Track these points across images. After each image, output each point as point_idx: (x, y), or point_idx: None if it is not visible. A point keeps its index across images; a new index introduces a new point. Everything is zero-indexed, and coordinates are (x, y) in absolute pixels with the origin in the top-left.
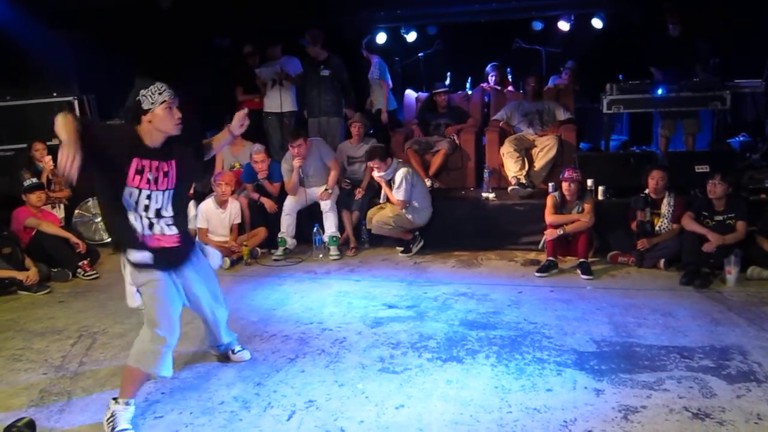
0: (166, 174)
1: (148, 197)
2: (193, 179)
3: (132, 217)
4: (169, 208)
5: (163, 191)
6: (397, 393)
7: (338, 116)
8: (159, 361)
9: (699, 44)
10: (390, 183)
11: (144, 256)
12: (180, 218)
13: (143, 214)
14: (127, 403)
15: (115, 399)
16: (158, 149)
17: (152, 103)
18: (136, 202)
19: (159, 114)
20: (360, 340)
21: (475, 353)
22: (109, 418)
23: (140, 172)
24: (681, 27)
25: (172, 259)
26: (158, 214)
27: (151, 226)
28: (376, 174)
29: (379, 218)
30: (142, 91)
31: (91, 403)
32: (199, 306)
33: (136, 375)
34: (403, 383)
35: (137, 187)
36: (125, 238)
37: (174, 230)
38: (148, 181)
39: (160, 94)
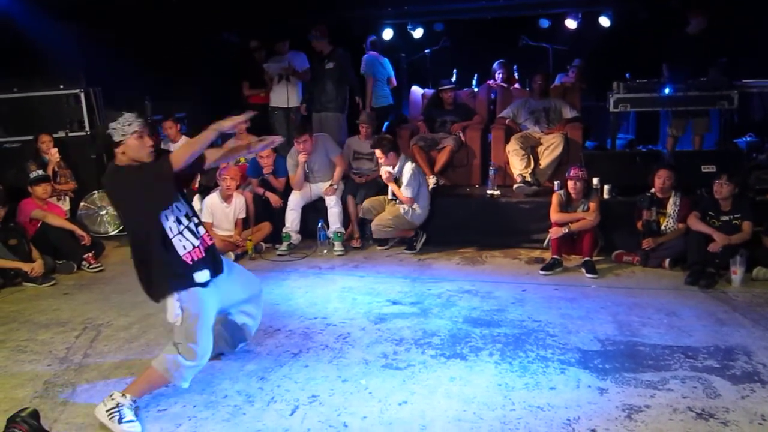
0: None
1: (172, 212)
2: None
3: (176, 243)
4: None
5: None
6: (401, 389)
7: (337, 112)
8: (187, 374)
9: (717, 42)
10: (398, 180)
11: (203, 274)
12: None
13: (182, 234)
14: (133, 401)
15: (122, 393)
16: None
17: (123, 135)
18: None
19: (131, 144)
20: (364, 335)
21: (478, 350)
22: (111, 410)
23: None
24: (704, 23)
25: (209, 266)
26: (183, 225)
27: (185, 241)
28: (384, 170)
29: (378, 222)
30: (111, 125)
31: (95, 395)
32: (232, 306)
33: (155, 379)
34: (406, 379)
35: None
36: (177, 271)
37: (197, 235)
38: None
39: (129, 125)
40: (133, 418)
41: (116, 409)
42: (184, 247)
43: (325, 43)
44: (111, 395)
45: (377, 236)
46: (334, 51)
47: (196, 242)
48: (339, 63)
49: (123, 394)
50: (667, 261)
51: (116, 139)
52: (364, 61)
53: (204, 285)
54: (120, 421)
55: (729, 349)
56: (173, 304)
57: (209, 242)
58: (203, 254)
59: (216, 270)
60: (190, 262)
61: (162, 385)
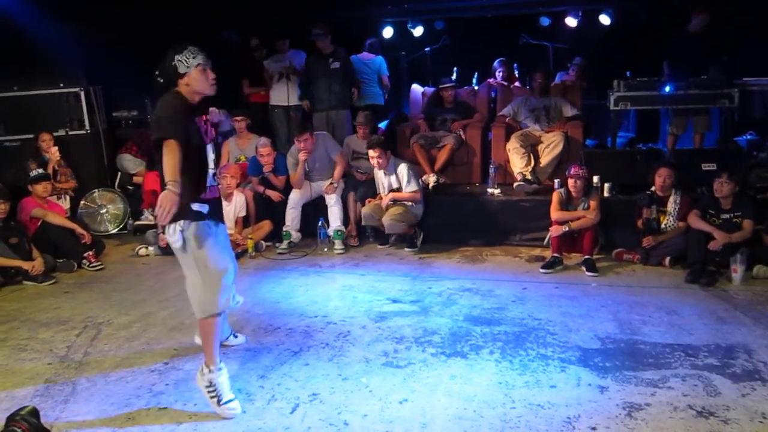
0: (205, 131)
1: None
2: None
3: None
4: (210, 161)
5: (208, 144)
6: (401, 387)
7: (346, 109)
8: (224, 293)
9: (718, 40)
10: (390, 182)
11: (204, 207)
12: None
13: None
14: (219, 368)
15: (206, 367)
16: (199, 107)
17: (188, 67)
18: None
19: (195, 76)
20: (364, 334)
21: (479, 349)
22: (210, 388)
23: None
24: (706, 21)
25: (218, 210)
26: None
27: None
28: (386, 198)
29: (391, 217)
30: (177, 56)
31: (96, 393)
32: None
33: (208, 327)
34: (407, 378)
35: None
36: (192, 195)
37: (214, 183)
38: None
39: (194, 57)
40: (232, 396)
41: (212, 388)
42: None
43: (329, 42)
44: (201, 370)
45: (391, 231)
46: (337, 50)
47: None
48: (344, 62)
49: (208, 368)
50: (668, 259)
51: (181, 70)
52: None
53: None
54: (219, 402)
55: (729, 348)
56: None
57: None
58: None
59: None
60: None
61: (216, 326)
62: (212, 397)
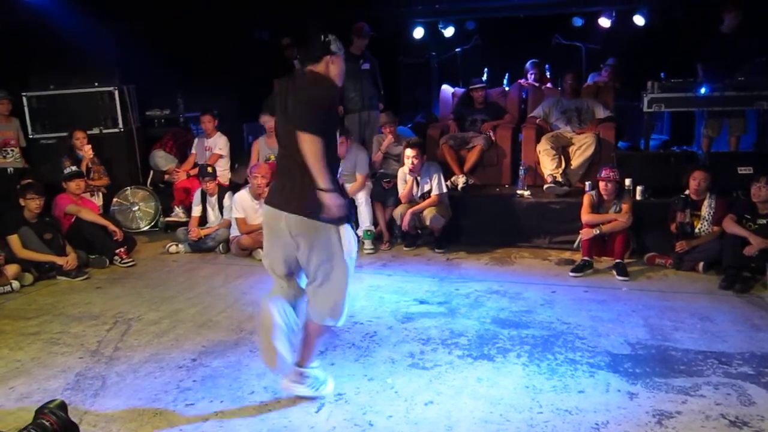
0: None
1: None
2: None
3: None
4: None
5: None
6: (427, 389)
7: (376, 110)
8: (344, 310)
9: (752, 41)
10: (422, 187)
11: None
12: None
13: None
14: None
15: (303, 368)
16: None
17: (339, 49)
18: None
19: (338, 61)
20: (390, 334)
21: (506, 352)
22: (312, 384)
23: None
24: (738, 20)
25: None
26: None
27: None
28: (406, 172)
29: (431, 214)
30: (331, 36)
31: (125, 388)
32: None
33: (317, 332)
34: (432, 379)
35: None
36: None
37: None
38: None
39: (342, 45)
40: (324, 377)
41: (316, 384)
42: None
43: (362, 42)
44: (300, 373)
45: (437, 225)
46: (365, 52)
47: None
48: (373, 63)
49: (308, 368)
50: (701, 264)
51: (333, 49)
52: None
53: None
54: (318, 389)
55: (765, 356)
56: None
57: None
58: None
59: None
60: None
61: (325, 334)
62: (314, 390)
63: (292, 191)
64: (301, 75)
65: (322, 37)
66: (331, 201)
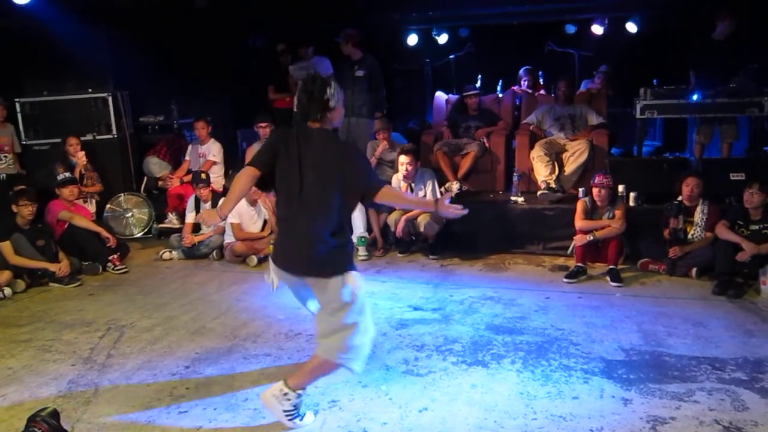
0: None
1: None
2: None
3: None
4: None
5: None
6: (421, 396)
7: (368, 117)
8: (364, 355)
9: (743, 49)
10: (416, 193)
11: None
12: None
13: None
14: (304, 394)
15: (293, 390)
16: None
17: (336, 101)
18: None
19: (339, 111)
20: (385, 341)
21: (500, 358)
22: (289, 412)
23: None
24: (730, 27)
25: None
26: None
27: None
28: (400, 178)
29: (425, 221)
30: (329, 90)
31: (118, 395)
32: None
33: (329, 368)
34: (427, 386)
35: None
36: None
37: None
38: None
39: (339, 92)
40: (312, 417)
41: (294, 412)
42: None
43: (355, 49)
44: (284, 393)
45: (431, 232)
46: (365, 58)
47: None
48: (370, 70)
49: (295, 391)
50: (694, 270)
51: (332, 104)
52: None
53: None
54: (294, 420)
55: (758, 361)
56: (353, 280)
57: None
58: None
59: None
60: None
61: (330, 372)
62: (289, 418)
63: (304, 250)
64: (314, 134)
65: (322, 93)
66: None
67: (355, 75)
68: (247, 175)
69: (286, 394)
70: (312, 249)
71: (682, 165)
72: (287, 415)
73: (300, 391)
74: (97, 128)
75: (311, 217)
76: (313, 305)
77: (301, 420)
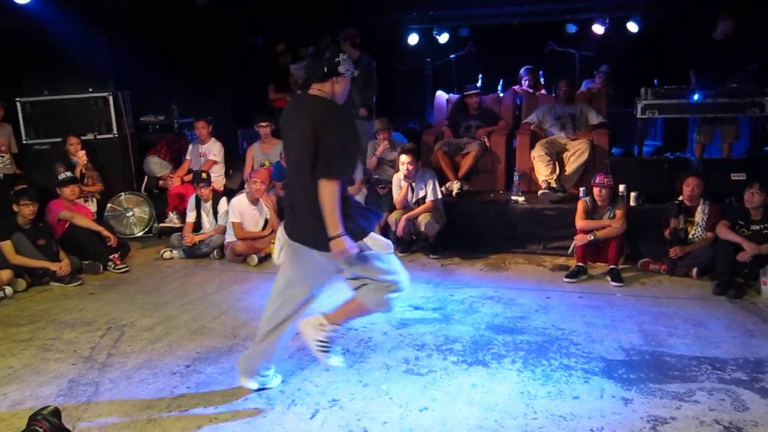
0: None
1: None
2: None
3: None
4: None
5: None
6: (422, 395)
7: (359, 118)
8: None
9: (744, 48)
10: (417, 193)
11: None
12: None
13: None
14: (336, 330)
15: (330, 323)
16: None
17: (346, 70)
18: None
19: (344, 81)
20: (385, 340)
21: (501, 358)
22: (324, 342)
23: None
24: (731, 27)
25: None
26: None
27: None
28: (401, 178)
29: (426, 220)
30: (342, 55)
31: (118, 394)
32: None
33: (363, 310)
34: (427, 385)
35: None
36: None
37: None
38: None
39: (351, 64)
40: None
41: (327, 345)
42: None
43: (354, 49)
44: (321, 324)
45: (432, 231)
46: (361, 58)
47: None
48: (367, 70)
49: (331, 325)
50: (695, 270)
51: (341, 70)
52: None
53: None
54: (328, 353)
55: (758, 362)
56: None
57: None
58: None
59: None
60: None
61: (366, 314)
62: (322, 351)
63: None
64: (307, 101)
65: (334, 56)
66: (340, 247)
67: (354, 75)
68: None
69: (322, 324)
70: (308, 222)
71: (682, 165)
72: (320, 346)
73: (336, 326)
74: (98, 128)
75: (298, 191)
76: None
77: (329, 357)
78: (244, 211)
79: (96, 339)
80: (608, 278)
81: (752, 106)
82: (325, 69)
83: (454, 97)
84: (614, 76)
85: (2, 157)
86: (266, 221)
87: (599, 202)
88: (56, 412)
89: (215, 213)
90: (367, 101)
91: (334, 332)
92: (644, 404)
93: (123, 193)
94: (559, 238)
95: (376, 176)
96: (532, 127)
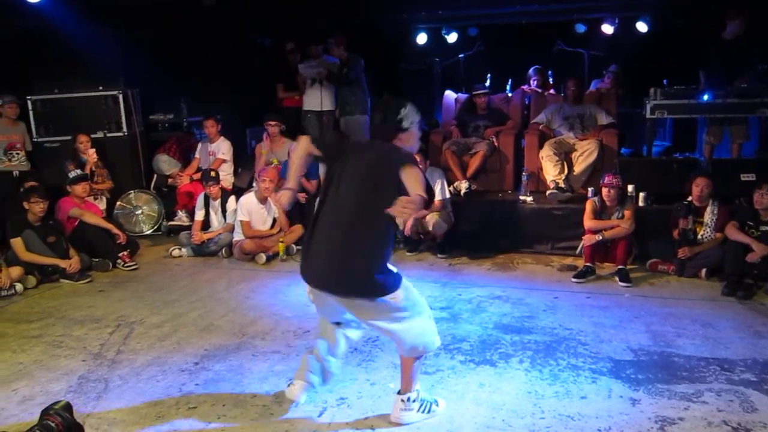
0: None
1: None
2: None
3: None
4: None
5: None
6: (429, 394)
7: (361, 114)
8: (435, 333)
9: (753, 48)
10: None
11: None
12: None
13: None
14: (418, 392)
15: (411, 392)
16: None
17: (411, 123)
18: None
19: (413, 134)
20: None
21: (508, 357)
22: (421, 406)
23: None
24: (741, 27)
25: None
26: None
27: None
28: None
29: (433, 220)
30: (403, 110)
31: (128, 391)
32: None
33: (419, 359)
34: (435, 384)
35: None
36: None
37: None
38: None
39: (416, 114)
40: (433, 398)
41: (426, 406)
42: None
43: (341, 51)
44: (403, 400)
45: (440, 231)
46: (349, 59)
47: None
48: (356, 71)
49: (414, 392)
50: (704, 271)
51: (405, 125)
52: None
53: None
54: (429, 410)
55: (767, 363)
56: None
57: None
58: None
59: None
60: None
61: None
62: (426, 413)
63: (343, 266)
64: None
65: (394, 112)
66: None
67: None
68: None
69: (406, 399)
70: (344, 266)
71: (691, 165)
72: (423, 412)
73: (416, 389)
74: (108, 126)
75: (346, 227)
76: None
77: (434, 407)
78: (252, 210)
79: (105, 336)
80: (616, 278)
81: (762, 107)
82: (392, 129)
83: (463, 96)
84: (623, 76)
85: (18, 154)
86: (274, 220)
87: (608, 203)
88: (68, 407)
89: (224, 211)
90: (362, 98)
91: (418, 394)
92: (652, 405)
93: (132, 191)
94: (567, 238)
95: None
96: (540, 127)
